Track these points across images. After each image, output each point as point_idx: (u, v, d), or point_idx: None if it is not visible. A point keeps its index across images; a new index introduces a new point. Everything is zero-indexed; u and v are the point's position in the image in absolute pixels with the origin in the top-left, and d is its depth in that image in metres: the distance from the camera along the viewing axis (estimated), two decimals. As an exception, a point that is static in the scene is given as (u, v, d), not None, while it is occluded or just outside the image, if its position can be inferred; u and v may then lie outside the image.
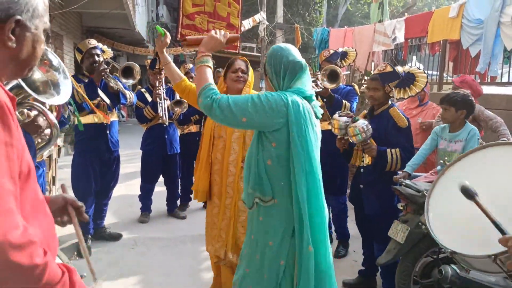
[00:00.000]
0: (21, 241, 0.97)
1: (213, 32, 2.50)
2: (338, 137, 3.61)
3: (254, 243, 2.46)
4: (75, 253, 4.29)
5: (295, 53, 2.43)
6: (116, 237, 4.75)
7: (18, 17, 1.13)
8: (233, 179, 3.30)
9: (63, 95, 2.16)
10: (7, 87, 1.88)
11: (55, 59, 2.31)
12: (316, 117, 2.44)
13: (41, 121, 2.43)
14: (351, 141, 3.48)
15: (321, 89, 4.28)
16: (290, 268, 2.35)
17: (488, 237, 1.64)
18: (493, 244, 1.64)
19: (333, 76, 4.31)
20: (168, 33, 3.05)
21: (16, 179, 1.03)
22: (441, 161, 3.52)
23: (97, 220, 4.74)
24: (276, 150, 2.30)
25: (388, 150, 3.43)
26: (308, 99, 2.40)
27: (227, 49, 6.17)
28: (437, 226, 2.04)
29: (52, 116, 2.48)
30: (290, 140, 2.26)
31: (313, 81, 4.44)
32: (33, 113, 2.38)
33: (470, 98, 3.66)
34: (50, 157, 4.99)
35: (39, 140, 2.56)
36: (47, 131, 2.54)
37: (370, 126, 3.38)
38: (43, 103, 2.41)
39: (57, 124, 2.50)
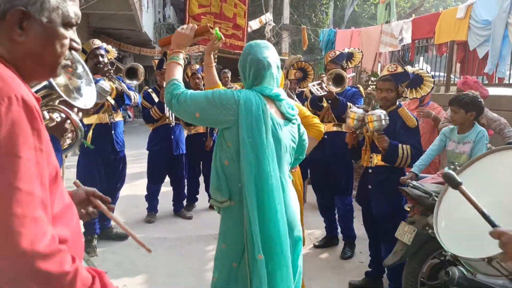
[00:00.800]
0: (49, 250, 0.96)
1: (179, 28, 2.50)
2: (351, 131, 3.62)
3: (218, 245, 2.42)
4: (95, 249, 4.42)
5: (264, 50, 2.35)
6: (122, 237, 4.76)
7: (21, 8, 1.08)
8: None
9: (88, 99, 2.14)
10: (35, 88, 1.86)
11: (80, 67, 2.31)
12: (286, 117, 2.34)
13: (66, 124, 2.44)
14: (368, 128, 3.46)
15: (325, 92, 4.28)
16: (243, 272, 2.25)
17: (486, 241, 1.63)
18: (488, 247, 1.64)
19: (338, 80, 4.31)
20: (223, 38, 3.06)
21: (46, 185, 1.02)
22: (452, 166, 3.49)
23: (104, 221, 4.75)
24: (230, 150, 2.24)
25: (400, 145, 3.43)
26: (274, 98, 2.32)
27: (232, 49, 6.18)
28: (444, 230, 2.04)
29: (76, 118, 2.48)
30: (239, 140, 2.19)
31: (318, 84, 4.45)
32: (55, 115, 2.37)
33: (480, 99, 3.65)
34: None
35: (64, 143, 2.57)
36: (71, 134, 2.54)
37: (387, 117, 3.38)
38: (69, 106, 2.41)
39: (81, 126, 2.50)
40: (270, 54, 2.36)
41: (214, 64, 3.18)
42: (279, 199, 2.21)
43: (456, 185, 1.71)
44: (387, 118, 3.38)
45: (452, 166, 3.46)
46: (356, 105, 4.35)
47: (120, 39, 13.74)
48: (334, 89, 4.25)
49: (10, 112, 0.97)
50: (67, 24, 1.18)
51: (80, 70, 2.23)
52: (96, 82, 3.93)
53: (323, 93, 4.30)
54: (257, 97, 2.26)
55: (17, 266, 0.93)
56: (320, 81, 4.46)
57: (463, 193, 1.67)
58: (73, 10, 1.19)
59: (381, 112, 3.38)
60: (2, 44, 1.10)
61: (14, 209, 0.94)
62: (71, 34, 1.21)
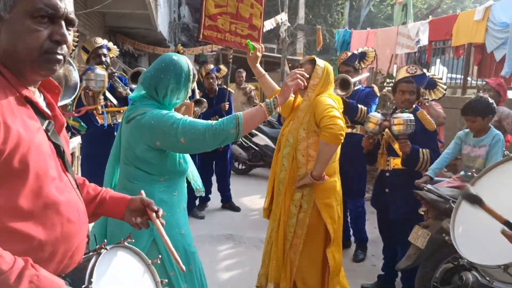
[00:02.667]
0: None
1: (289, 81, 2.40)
2: (367, 135, 3.60)
3: None
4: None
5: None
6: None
7: None
8: (281, 199, 3.15)
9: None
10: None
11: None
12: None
13: None
14: (393, 131, 3.44)
15: None
16: None
17: (502, 248, 1.61)
18: (506, 255, 1.62)
19: (344, 84, 4.27)
20: (258, 47, 3.09)
21: None
22: (469, 173, 3.43)
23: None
24: None
25: (420, 149, 3.41)
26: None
27: (247, 49, 6.17)
28: (460, 236, 2.02)
29: None
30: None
31: None
32: None
33: (491, 101, 3.56)
34: (72, 154, 5.05)
35: None
36: None
37: (414, 123, 3.38)
38: None
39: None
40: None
41: (265, 73, 3.30)
42: None
43: (477, 202, 1.69)
44: (413, 123, 3.36)
45: (470, 173, 3.42)
46: (371, 106, 4.31)
47: (135, 38, 13.82)
48: (341, 93, 4.21)
49: None
50: (39, 16, 1.17)
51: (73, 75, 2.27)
52: (91, 69, 3.88)
53: None
54: None
55: None
56: None
57: (486, 209, 1.65)
58: (44, 1, 1.17)
59: (408, 117, 3.36)
60: None
61: None
62: (53, 26, 1.20)
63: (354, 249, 4.69)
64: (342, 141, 2.88)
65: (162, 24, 13.66)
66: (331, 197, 3.09)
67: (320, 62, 3.10)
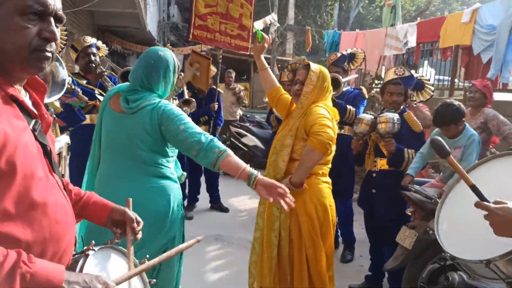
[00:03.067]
0: None
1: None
2: (357, 137, 3.62)
3: None
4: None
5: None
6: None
7: None
8: (263, 208, 3.07)
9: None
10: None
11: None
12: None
13: None
14: (379, 130, 3.45)
15: None
16: None
17: (487, 243, 1.63)
18: (489, 250, 1.64)
19: (334, 84, 4.28)
20: (267, 37, 3.05)
21: None
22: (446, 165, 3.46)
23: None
24: None
25: (405, 149, 3.44)
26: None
27: (237, 50, 6.16)
28: (445, 232, 2.04)
29: None
30: None
31: None
32: None
33: (457, 104, 3.51)
34: (60, 154, 5.01)
35: None
36: None
37: (399, 121, 3.40)
38: None
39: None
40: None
41: (267, 66, 3.19)
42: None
43: (444, 154, 1.72)
44: (399, 122, 3.38)
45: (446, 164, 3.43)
46: (359, 107, 4.33)
47: (124, 37, 13.75)
48: None
49: None
50: (28, 13, 1.16)
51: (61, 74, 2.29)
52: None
53: None
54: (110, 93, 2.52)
55: None
56: None
57: (452, 163, 1.70)
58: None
59: (393, 115, 3.39)
60: None
61: None
62: (42, 24, 1.19)
63: (342, 249, 4.71)
64: (328, 152, 2.75)
65: (151, 23, 13.61)
66: (305, 193, 2.85)
67: (315, 68, 2.92)
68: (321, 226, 2.91)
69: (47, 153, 1.27)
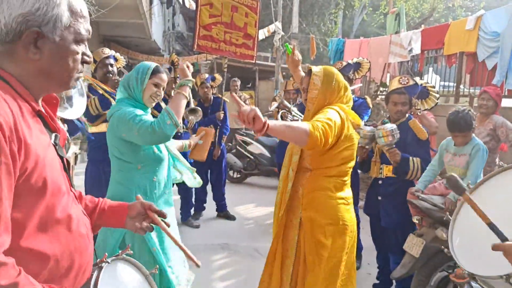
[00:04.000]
0: None
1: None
2: (361, 145, 3.63)
3: None
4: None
5: None
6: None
7: (35, 29, 1.13)
8: (275, 220, 2.82)
9: (76, 110, 2.19)
10: None
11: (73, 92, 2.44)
12: None
13: None
14: (379, 143, 3.45)
15: None
16: None
17: (502, 258, 1.62)
18: (505, 264, 1.62)
19: None
20: (297, 52, 3.05)
21: (2, 195, 1.02)
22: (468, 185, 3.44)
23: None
24: None
25: (410, 158, 3.44)
26: None
27: (243, 58, 6.20)
28: (459, 247, 2.03)
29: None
30: None
31: None
32: None
33: (469, 113, 3.54)
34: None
35: None
36: None
37: (398, 131, 3.38)
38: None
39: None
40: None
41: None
42: None
43: (460, 191, 1.71)
44: (398, 132, 3.38)
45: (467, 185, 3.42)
46: (363, 117, 4.33)
47: (129, 47, 13.85)
48: None
49: None
50: (79, 41, 1.23)
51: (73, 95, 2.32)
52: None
53: None
54: None
55: None
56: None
57: (469, 200, 1.66)
58: (85, 27, 1.24)
59: (391, 127, 3.38)
60: (16, 62, 1.16)
61: None
62: (83, 48, 1.25)
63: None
64: (311, 146, 2.30)
65: (157, 33, 13.69)
66: (312, 210, 2.60)
67: (317, 71, 2.65)
68: (330, 249, 2.56)
69: (65, 167, 1.29)
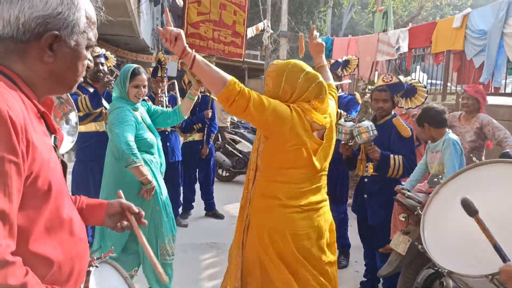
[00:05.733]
0: None
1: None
2: (342, 142, 3.63)
3: None
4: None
5: None
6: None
7: (56, 32, 1.14)
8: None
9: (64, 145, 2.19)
10: None
11: (73, 114, 2.63)
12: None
13: None
14: (357, 141, 3.46)
15: None
16: None
17: (485, 256, 1.61)
18: (490, 263, 1.62)
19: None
20: (316, 33, 2.95)
21: (11, 196, 1.00)
22: (435, 179, 3.47)
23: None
24: None
25: (391, 155, 3.45)
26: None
27: (231, 57, 6.18)
28: (434, 245, 2.02)
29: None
30: None
31: None
32: None
33: (439, 110, 3.59)
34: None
35: None
36: None
37: (374, 127, 3.39)
38: None
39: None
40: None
41: (326, 63, 2.90)
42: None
43: (472, 213, 1.67)
44: (374, 129, 3.39)
45: (435, 179, 3.45)
46: (348, 114, 4.34)
47: (118, 45, 13.76)
48: None
49: None
50: (89, 46, 1.26)
51: (72, 116, 2.47)
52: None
53: None
54: None
55: None
56: None
57: (479, 222, 1.64)
58: (94, 33, 1.27)
59: (367, 124, 3.39)
60: (26, 62, 1.15)
61: None
62: (88, 53, 1.28)
63: (337, 255, 4.70)
64: (223, 97, 2.15)
65: (145, 31, 13.62)
66: (266, 218, 2.39)
67: (272, 64, 2.41)
68: (279, 257, 2.36)
69: (64, 169, 1.28)
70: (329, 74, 2.88)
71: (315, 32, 2.87)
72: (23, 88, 1.15)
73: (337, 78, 4.64)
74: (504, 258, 1.53)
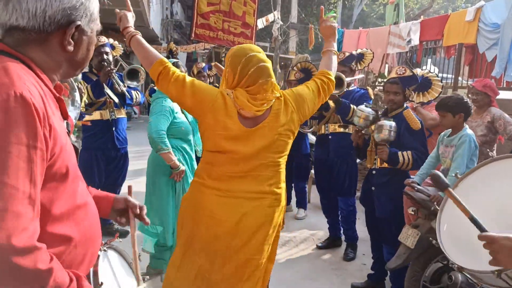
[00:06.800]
0: (24, 245, 0.97)
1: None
2: (356, 128, 3.60)
3: None
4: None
5: None
6: (123, 234, 4.76)
7: (79, 22, 1.19)
8: None
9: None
10: None
11: (77, 94, 2.67)
12: None
13: None
14: (372, 135, 3.44)
15: None
16: None
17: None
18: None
19: (338, 82, 4.26)
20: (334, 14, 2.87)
21: (37, 182, 1.03)
22: (453, 175, 3.43)
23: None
24: None
25: (399, 152, 3.41)
26: None
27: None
28: (448, 240, 2.01)
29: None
30: None
31: None
32: None
33: (465, 100, 3.54)
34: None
35: None
36: None
37: (395, 130, 3.38)
38: None
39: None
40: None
41: (333, 49, 2.80)
42: None
43: (443, 187, 1.70)
44: (395, 130, 3.38)
45: (453, 175, 3.40)
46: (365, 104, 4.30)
47: (127, 35, 13.81)
48: (334, 91, 4.19)
49: (5, 108, 0.99)
50: (97, 31, 1.31)
51: (77, 97, 2.56)
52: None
53: None
54: None
55: None
56: None
57: (451, 196, 1.66)
58: (100, 18, 1.33)
59: (390, 123, 3.37)
60: (45, 50, 1.18)
61: None
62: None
63: (345, 248, 4.70)
64: (152, 72, 2.36)
65: (155, 21, 13.62)
66: (188, 198, 2.45)
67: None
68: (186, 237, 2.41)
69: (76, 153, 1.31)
70: (333, 61, 2.73)
71: (331, 13, 2.82)
72: (40, 75, 1.17)
73: (351, 71, 4.58)
74: (481, 229, 1.56)
